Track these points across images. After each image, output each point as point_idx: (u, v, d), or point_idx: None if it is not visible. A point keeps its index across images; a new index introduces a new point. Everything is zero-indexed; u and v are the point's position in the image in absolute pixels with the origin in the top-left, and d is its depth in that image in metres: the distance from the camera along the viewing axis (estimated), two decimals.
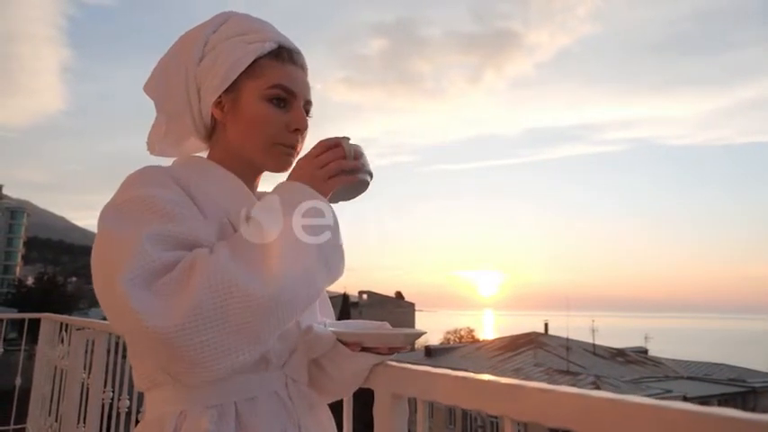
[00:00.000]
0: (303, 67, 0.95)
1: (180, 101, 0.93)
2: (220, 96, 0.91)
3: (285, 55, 0.92)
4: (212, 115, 0.93)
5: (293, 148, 0.93)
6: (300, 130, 0.92)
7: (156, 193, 0.78)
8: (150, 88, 0.97)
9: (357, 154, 0.85)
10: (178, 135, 0.99)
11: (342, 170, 0.84)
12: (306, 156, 0.87)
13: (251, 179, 0.95)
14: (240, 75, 0.89)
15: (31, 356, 4.50)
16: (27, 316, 3.87)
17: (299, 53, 0.95)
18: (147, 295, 0.68)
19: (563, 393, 0.59)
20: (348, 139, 0.85)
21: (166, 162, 0.95)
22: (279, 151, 0.92)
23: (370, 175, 0.87)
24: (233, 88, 0.90)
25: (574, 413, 0.58)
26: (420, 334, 0.87)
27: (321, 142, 0.87)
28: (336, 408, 0.99)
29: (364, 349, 0.83)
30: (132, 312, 0.67)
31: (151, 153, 1.02)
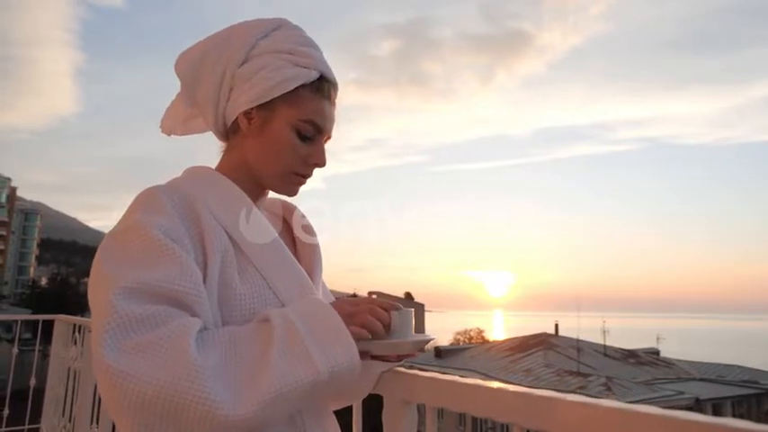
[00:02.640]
0: (334, 102, 0.96)
1: (209, 94, 0.93)
2: (252, 109, 0.91)
3: (325, 89, 0.93)
4: (235, 121, 0.93)
5: (305, 177, 0.96)
6: (318, 165, 0.95)
7: (153, 222, 0.77)
8: (182, 69, 0.96)
9: (402, 326, 0.83)
10: (194, 121, 1.03)
11: (375, 334, 0.81)
12: (355, 300, 0.85)
13: (257, 193, 0.96)
14: (278, 96, 0.89)
15: (45, 357, 4.55)
16: (41, 317, 3.91)
17: (336, 87, 0.96)
18: (116, 355, 0.67)
19: (571, 402, 0.59)
20: (399, 309, 0.84)
21: (176, 173, 0.95)
22: (292, 180, 0.95)
23: (404, 347, 0.83)
24: (267, 106, 0.90)
25: (582, 422, 0.58)
26: (428, 340, 0.87)
27: (377, 300, 0.85)
28: (339, 414, 0.99)
29: (373, 357, 0.83)
30: (103, 363, 0.66)
31: (162, 132, 1.05)
